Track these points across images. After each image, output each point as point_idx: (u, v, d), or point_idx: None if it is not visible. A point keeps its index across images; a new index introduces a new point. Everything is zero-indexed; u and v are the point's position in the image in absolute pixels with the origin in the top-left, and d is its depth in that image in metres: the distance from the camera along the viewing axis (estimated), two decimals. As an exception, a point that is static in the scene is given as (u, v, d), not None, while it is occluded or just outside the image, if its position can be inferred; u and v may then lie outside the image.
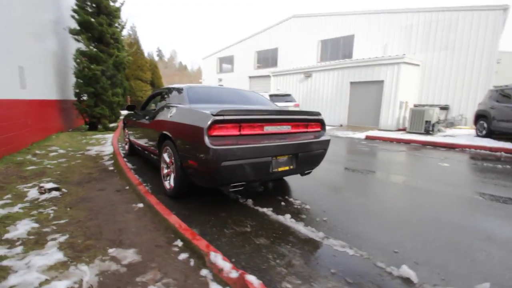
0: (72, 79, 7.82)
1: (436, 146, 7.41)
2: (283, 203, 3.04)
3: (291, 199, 3.17)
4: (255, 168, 2.63)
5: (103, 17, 7.55)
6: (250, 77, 21.96)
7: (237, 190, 3.11)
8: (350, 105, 13.79)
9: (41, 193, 2.93)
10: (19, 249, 1.87)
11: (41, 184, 3.07)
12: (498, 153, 6.25)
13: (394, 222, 2.61)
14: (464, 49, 12.85)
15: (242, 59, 22.41)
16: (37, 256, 1.78)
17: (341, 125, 13.94)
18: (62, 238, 2.02)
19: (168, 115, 3.07)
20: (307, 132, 3.16)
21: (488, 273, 1.84)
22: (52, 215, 2.45)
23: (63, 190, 3.14)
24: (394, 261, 1.97)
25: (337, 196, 3.35)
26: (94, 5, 7.55)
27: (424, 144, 7.65)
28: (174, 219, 2.25)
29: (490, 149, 6.51)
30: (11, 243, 1.94)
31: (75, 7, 7.30)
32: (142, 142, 4.11)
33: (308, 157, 3.07)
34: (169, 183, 3.19)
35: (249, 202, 3.03)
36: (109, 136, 7.54)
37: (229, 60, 23.92)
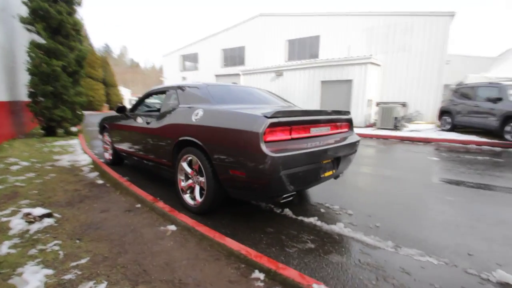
0: (24, 77, 6.55)
1: (413, 141, 7.91)
2: (322, 210, 2.81)
3: (326, 205, 2.96)
4: (308, 175, 2.36)
5: (62, 5, 6.43)
6: (216, 75, 21.30)
7: (286, 201, 2.77)
8: (322, 104, 14.16)
9: (30, 222, 2.25)
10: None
11: (26, 210, 2.36)
12: (469, 146, 6.88)
13: (434, 220, 2.56)
14: (419, 51, 14.09)
15: (207, 57, 21.63)
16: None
17: (313, 123, 14.23)
18: None
19: (191, 118, 2.60)
20: (340, 133, 2.97)
21: None
22: (61, 253, 1.85)
23: (56, 215, 2.47)
24: (479, 266, 1.87)
25: (358, 196, 3.24)
26: (49, -11, 6.39)
27: (402, 139, 8.12)
28: (233, 244, 1.86)
29: (462, 142, 7.14)
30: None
31: (26, -9, 6.09)
32: (140, 150, 3.50)
33: (346, 159, 2.88)
34: (191, 197, 2.73)
35: (288, 212, 2.73)
36: (75, 143, 6.49)
37: (193, 57, 22.91)
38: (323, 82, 14.00)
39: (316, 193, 3.34)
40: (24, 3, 6.07)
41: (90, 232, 2.19)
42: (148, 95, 3.81)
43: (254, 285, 1.54)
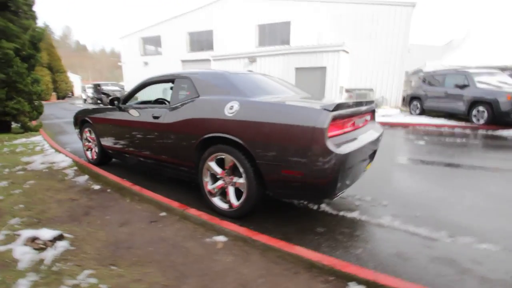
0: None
1: (392, 125, 8.34)
2: (357, 203, 2.74)
3: (357, 197, 2.89)
4: (360, 170, 2.25)
5: (7, -29, 5.27)
6: (183, 61, 20.11)
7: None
8: (296, 90, 14.20)
9: (39, 248, 1.78)
10: None
11: (28, 234, 1.87)
12: (442, 129, 7.47)
13: (462, 204, 2.64)
14: (383, 39, 14.78)
15: (171, 41, 20.18)
16: None
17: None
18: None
19: (223, 112, 2.27)
20: (370, 123, 2.90)
21: None
22: (103, 287, 1.49)
23: (66, 235, 2.01)
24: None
25: (380, 185, 3.26)
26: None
27: (383, 124, 8.52)
28: (307, 253, 1.67)
29: (436, 125, 7.72)
30: None
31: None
32: (144, 148, 3.05)
33: (376, 151, 2.83)
34: (223, 200, 2.45)
35: (325, 208, 2.61)
36: (39, 140, 5.56)
37: (156, 41, 21.20)
38: (297, 69, 14.00)
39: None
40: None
41: (123, 254, 1.82)
42: (146, 84, 3.30)
43: (357, 302, 1.38)
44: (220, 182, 2.44)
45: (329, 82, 13.15)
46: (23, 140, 5.44)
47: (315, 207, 2.65)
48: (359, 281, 1.46)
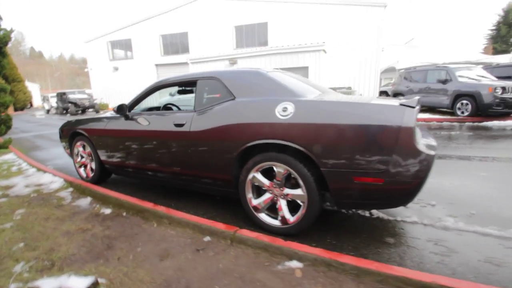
0: None
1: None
2: (406, 206, 2.58)
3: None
4: None
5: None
6: (157, 65, 19.18)
7: None
8: (279, 91, 14.11)
9: (74, 305, 1.35)
10: None
11: (56, 286, 1.43)
12: (431, 123, 7.74)
13: (503, 197, 2.60)
14: (359, 39, 15.25)
15: (143, 44, 19.14)
16: None
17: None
18: None
19: (274, 115, 1.97)
20: None
21: None
22: None
23: (100, 280, 1.58)
24: None
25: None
26: None
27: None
28: (415, 274, 1.43)
29: (425, 120, 7.98)
30: None
31: None
32: (162, 162, 2.63)
33: None
34: (272, 216, 2.14)
35: (379, 214, 2.41)
36: (11, 158, 4.79)
37: (126, 44, 19.98)
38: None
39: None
40: None
41: (184, 298, 1.45)
42: (157, 88, 2.89)
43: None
44: (267, 195, 2.14)
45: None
46: (-8, 159, 4.64)
47: (367, 213, 2.43)
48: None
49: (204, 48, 17.57)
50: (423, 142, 1.87)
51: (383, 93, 15.34)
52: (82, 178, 3.58)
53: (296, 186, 2.06)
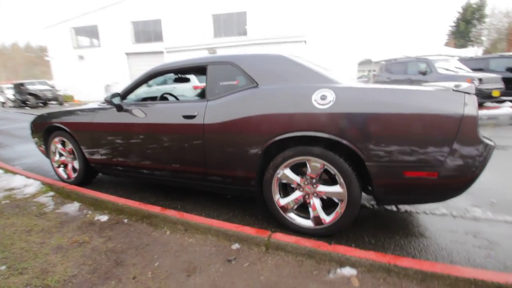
0: None
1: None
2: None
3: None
4: None
5: None
6: (128, 54, 17.94)
7: None
8: (261, 82, 13.86)
9: None
10: None
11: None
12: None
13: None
14: (337, 30, 15.39)
15: (112, 31, 17.75)
16: None
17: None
18: None
19: (311, 104, 1.73)
20: None
21: None
22: None
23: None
24: None
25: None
26: None
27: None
28: (486, 275, 1.31)
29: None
30: None
31: None
32: (167, 159, 2.29)
33: None
34: (299, 215, 1.94)
35: (409, 208, 2.31)
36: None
37: (91, 31, 18.38)
38: (260, 60, 13.60)
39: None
40: None
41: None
42: (155, 74, 2.51)
43: None
44: (297, 194, 1.92)
45: (293, 73, 13.12)
46: None
47: (393, 208, 2.32)
48: None
49: (179, 37, 16.71)
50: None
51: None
52: (62, 179, 3.10)
53: (330, 182, 1.87)
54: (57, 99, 15.67)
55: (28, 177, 3.09)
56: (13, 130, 7.39)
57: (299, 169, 1.91)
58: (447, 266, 1.40)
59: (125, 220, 2.18)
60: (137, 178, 2.87)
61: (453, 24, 44.39)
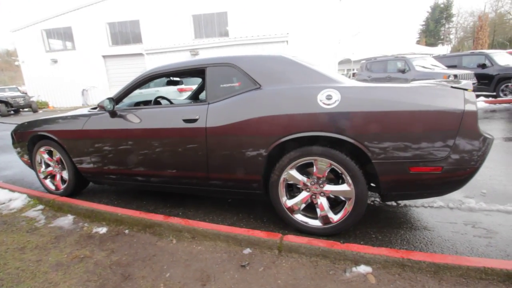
0: None
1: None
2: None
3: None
4: None
5: None
6: (105, 56, 17.27)
7: None
8: (245, 83, 13.82)
9: None
10: None
11: None
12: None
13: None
14: (318, 30, 15.64)
15: (87, 33, 16.99)
16: None
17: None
18: None
19: (316, 104, 1.75)
20: None
21: None
22: None
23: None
24: None
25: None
26: None
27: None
28: (497, 263, 1.37)
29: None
30: None
31: None
32: (167, 165, 2.22)
33: None
34: (306, 215, 1.95)
35: (405, 202, 2.39)
36: None
37: (65, 33, 17.51)
38: (244, 61, 13.57)
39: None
40: None
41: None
42: (151, 77, 2.43)
43: None
44: (304, 194, 1.93)
45: (277, 73, 13.20)
46: None
47: (393, 203, 2.39)
48: None
49: (159, 38, 16.29)
50: None
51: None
52: (50, 191, 2.93)
53: (336, 181, 1.90)
54: (30, 106, 14.79)
55: (12, 190, 2.89)
56: (-15, 141, 6.89)
57: (304, 169, 1.93)
58: (457, 257, 1.46)
59: (126, 231, 2.09)
60: (133, 186, 2.76)
61: (423, 23, 46.69)
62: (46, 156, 2.86)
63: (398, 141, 1.63)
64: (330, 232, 1.89)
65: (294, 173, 1.91)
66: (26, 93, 16.18)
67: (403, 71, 8.81)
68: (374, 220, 2.10)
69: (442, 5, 43.59)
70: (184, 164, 2.19)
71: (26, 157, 3.04)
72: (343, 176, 1.79)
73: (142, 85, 2.48)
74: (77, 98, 17.41)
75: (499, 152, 3.59)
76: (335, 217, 1.86)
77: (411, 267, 1.44)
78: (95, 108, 2.72)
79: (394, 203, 2.37)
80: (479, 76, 8.40)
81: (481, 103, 7.51)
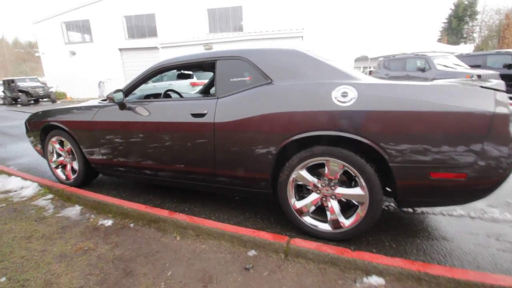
0: None
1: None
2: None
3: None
4: None
5: None
6: (121, 49, 17.54)
7: None
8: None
9: None
10: None
11: None
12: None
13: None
14: (336, 27, 15.29)
15: (104, 26, 17.29)
16: None
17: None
18: None
19: (330, 101, 1.64)
20: None
21: None
22: None
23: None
24: None
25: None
26: None
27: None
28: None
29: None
30: None
31: None
32: (174, 160, 2.18)
33: None
34: (316, 219, 1.86)
35: (422, 209, 2.25)
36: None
37: (83, 26, 17.90)
38: (258, 56, 13.44)
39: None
40: None
41: None
42: (161, 70, 2.38)
43: None
44: (314, 196, 1.84)
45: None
46: None
47: (409, 209, 2.25)
48: None
49: (174, 32, 16.38)
50: None
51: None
52: (60, 181, 2.96)
53: (348, 184, 1.79)
54: (49, 96, 15.26)
55: (24, 178, 2.94)
56: (5, 129, 7.13)
57: (314, 170, 1.83)
58: (481, 274, 1.33)
59: (131, 225, 2.07)
60: (140, 179, 2.74)
61: (445, 21, 44.81)
62: (57, 146, 2.89)
63: (418, 143, 1.51)
64: (340, 238, 1.80)
65: (304, 173, 1.81)
66: (45, 84, 16.69)
67: (423, 70, 8.45)
68: (388, 226, 1.98)
69: (466, 2, 41.65)
70: (191, 159, 2.13)
71: (39, 146, 3.08)
72: (356, 179, 1.69)
73: (151, 77, 2.44)
74: (93, 90, 17.80)
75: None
76: (346, 222, 1.76)
77: (429, 281, 1.33)
78: (105, 100, 2.71)
79: (410, 210, 2.24)
80: (505, 77, 7.94)
81: (506, 106, 7.10)
